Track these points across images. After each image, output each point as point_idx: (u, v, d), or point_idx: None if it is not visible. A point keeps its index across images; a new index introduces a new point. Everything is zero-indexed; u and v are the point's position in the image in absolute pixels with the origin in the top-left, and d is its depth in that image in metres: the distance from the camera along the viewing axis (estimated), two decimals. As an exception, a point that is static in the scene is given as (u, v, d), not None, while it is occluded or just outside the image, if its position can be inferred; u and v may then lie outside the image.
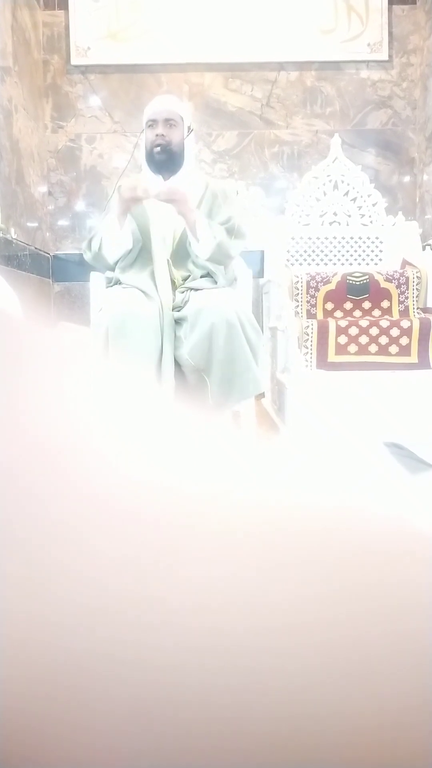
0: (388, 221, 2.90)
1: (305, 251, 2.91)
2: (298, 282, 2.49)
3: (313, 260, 2.91)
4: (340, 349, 2.26)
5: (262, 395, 2.62)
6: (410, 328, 2.24)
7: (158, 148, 1.91)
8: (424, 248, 2.80)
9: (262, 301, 2.94)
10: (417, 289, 2.49)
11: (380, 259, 2.91)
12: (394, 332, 2.25)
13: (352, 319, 2.34)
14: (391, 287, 2.48)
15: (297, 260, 2.91)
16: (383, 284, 2.48)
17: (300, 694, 0.09)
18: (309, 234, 2.91)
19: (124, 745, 0.09)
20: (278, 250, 2.78)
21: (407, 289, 2.48)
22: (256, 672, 0.09)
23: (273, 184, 3.29)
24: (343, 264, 2.90)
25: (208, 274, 1.88)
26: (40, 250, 3.08)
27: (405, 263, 2.68)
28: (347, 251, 2.92)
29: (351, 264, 2.90)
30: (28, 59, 3.00)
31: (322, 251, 2.91)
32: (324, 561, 0.10)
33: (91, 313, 2.04)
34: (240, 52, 3.17)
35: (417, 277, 2.49)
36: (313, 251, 2.91)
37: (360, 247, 2.92)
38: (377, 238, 2.91)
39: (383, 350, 2.25)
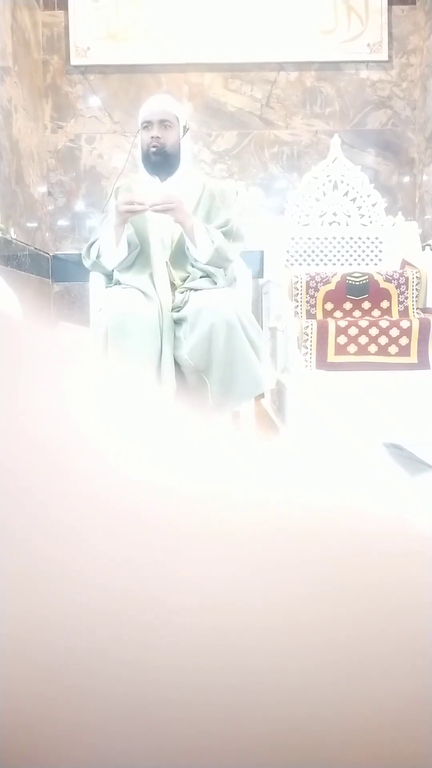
0: (388, 221, 2.90)
1: (305, 251, 2.91)
2: (297, 282, 2.49)
3: (313, 260, 2.91)
4: (340, 350, 2.26)
5: (262, 395, 2.62)
6: (410, 329, 2.25)
7: (153, 150, 1.91)
8: (423, 248, 2.80)
9: (261, 301, 2.94)
10: (416, 289, 2.49)
11: (380, 260, 2.91)
12: (394, 332, 2.25)
13: (352, 319, 2.34)
14: (390, 287, 2.48)
15: (297, 260, 2.91)
16: (383, 284, 2.48)
17: (300, 694, 0.09)
18: (309, 234, 2.91)
19: (124, 745, 0.09)
20: (278, 250, 2.78)
21: (407, 289, 2.48)
22: (256, 672, 0.09)
23: (273, 185, 3.29)
24: (342, 264, 2.90)
25: (207, 275, 1.88)
26: (40, 250, 3.08)
27: (404, 263, 2.68)
28: (347, 251, 2.92)
29: (351, 264, 2.90)
30: (27, 59, 3.00)
31: (321, 251, 2.91)
32: (324, 561, 0.10)
33: (90, 313, 2.04)
34: (240, 52, 3.17)
35: (416, 277, 2.49)
36: (313, 251, 2.91)
37: (360, 247, 2.92)
38: (377, 238, 2.91)
39: (383, 350, 2.25)
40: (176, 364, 1.74)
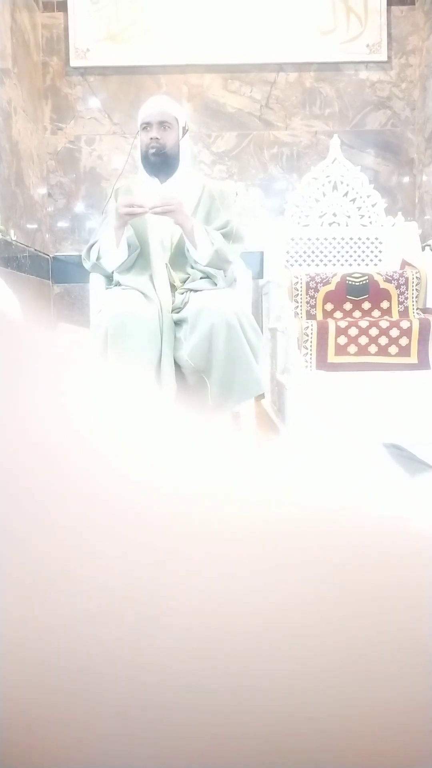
0: (388, 222, 2.90)
1: (305, 252, 2.91)
2: (297, 283, 2.49)
3: (313, 261, 2.91)
4: (340, 350, 2.26)
5: (262, 396, 2.62)
6: (410, 329, 2.24)
7: (153, 151, 1.91)
8: (423, 249, 2.80)
9: (261, 302, 2.94)
10: (416, 289, 2.49)
11: (380, 260, 2.91)
12: (394, 333, 2.25)
13: (352, 319, 2.34)
14: (390, 288, 2.48)
15: (296, 261, 2.91)
16: (383, 285, 2.48)
17: (300, 695, 0.09)
18: (308, 235, 2.91)
19: (124, 745, 0.09)
20: (278, 251, 2.78)
21: (407, 289, 2.48)
22: (256, 673, 0.09)
23: (272, 185, 3.29)
24: (342, 265, 2.90)
25: (207, 276, 1.88)
26: (40, 251, 3.08)
27: (404, 264, 2.68)
28: (347, 252, 2.92)
29: (350, 265, 2.90)
30: (27, 61, 3.00)
31: (321, 252, 2.91)
32: (324, 561, 0.10)
33: (90, 314, 2.04)
34: (239, 53, 3.17)
35: (416, 277, 2.49)
36: (313, 252, 2.91)
37: (359, 247, 2.92)
38: (377, 238, 2.91)
39: (383, 351, 2.25)
40: (176, 365, 1.74)
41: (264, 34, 3.15)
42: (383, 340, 2.25)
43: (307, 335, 2.25)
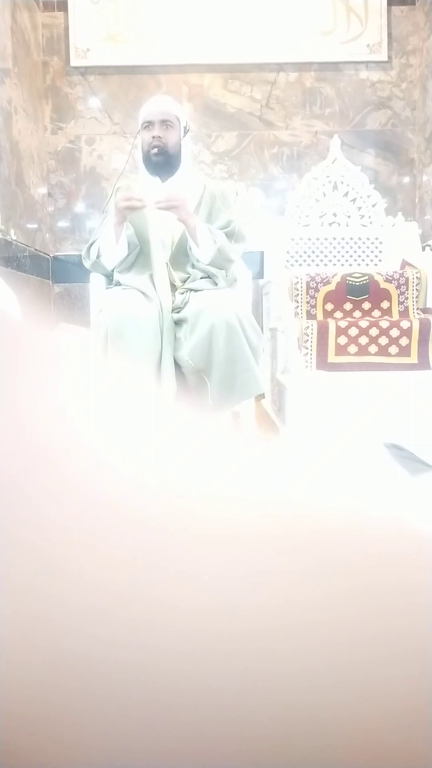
0: (388, 222, 2.90)
1: (305, 252, 2.91)
2: (297, 283, 2.49)
3: (313, 261, 2.91)
4: (340, 350, 2.26)
5: (262, 396, 2.62)
6: (410, 329, 2.24)
7: (155, 150, 1.91)
8: (423, 249, 2.80)
9: (261, 302, 2.94)
10: (417, 289, 2.49)
11: (380, 260, 2.91)
12: (394, 333, 2.25)
13: (352, 319, 2.34)
14: (390, 288, 2.48)
15: (297, 261, 2.91)
16: (383, 285, 2.48)
17: (299, 696, 0.09)
18: (309, 235, 2.91)
19: (123, 745, 0.09)
20: (278, 251, 2.78)
21: (407, 289, 2.48)
22: (255, 673, 0.09)
23: (272, 185, 3.29)
24: (342, 265, 2.90)
25: (207, 276, 1.88)
26: (40, 251, 3.08)
27: (405, 264, 2.68)
28: (347, 252, 2.92)
29: (351, 265, 2.90)
30: (27, 61, 3.00)
31: (321, 252, 2.91)
32: (324, 562, 0.10)
33: (90, 314, 2.04)
34: (239, 53, 3.17)
35: (417, 277, 2.49)
36: (313, 252, 2.91)
37: (360, 247, 2.92)
38: (377, 238, 2.91)
39: (383, 351, 2.25)
40: (176, 364, 1.74)
41: (264, 34, 3.15)
42: (383, 340, 2.25)
43: (308, 335, 2.25)
